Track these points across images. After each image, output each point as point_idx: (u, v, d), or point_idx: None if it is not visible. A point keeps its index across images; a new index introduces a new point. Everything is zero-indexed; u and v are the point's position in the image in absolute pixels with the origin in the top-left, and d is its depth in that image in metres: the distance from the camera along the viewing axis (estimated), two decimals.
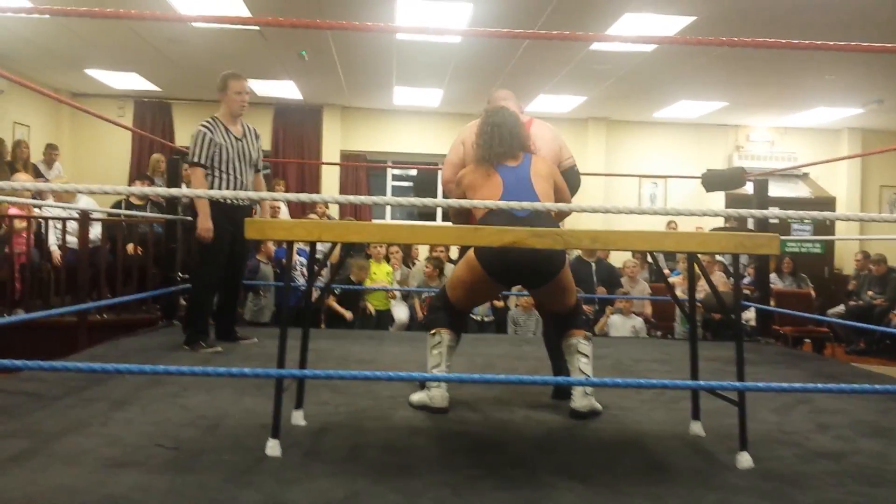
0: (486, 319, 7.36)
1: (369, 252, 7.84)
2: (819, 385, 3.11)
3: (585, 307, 7.30)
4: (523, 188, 3.33)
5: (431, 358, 3.46)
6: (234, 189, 4.81)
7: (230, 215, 4.76)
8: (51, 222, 6.91)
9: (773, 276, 9.87)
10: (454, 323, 3.51)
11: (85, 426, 2.95)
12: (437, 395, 3.40)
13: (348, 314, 7.23)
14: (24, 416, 3.07)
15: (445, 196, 3.58)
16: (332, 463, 2.63)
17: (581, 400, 3.38)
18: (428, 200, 2.87)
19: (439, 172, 12.23)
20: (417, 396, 3.49)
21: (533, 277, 3.36)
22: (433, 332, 3.50)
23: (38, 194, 7.04)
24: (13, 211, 6.72)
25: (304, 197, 2.90)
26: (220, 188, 4.77)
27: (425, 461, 2.70)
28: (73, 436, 2.82)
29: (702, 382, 3.05)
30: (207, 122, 4.82)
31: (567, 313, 3.54)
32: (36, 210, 6.97)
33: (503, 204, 2.87)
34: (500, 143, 3.44)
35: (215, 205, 4.72)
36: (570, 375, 3.51)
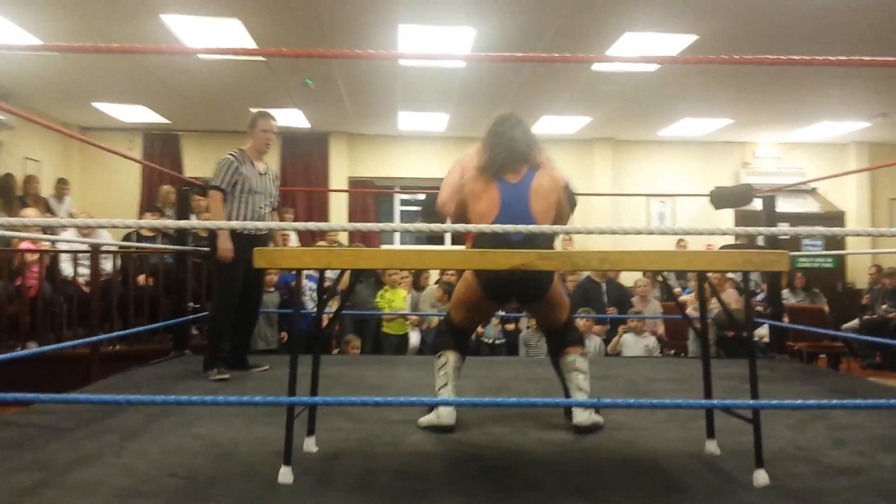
0: (497, 342, 7.35)
1: (384, 280, 7.83)
2: (833, 401, 3.08)
3: (597, 327, 7.29)
4: (520, 207, 3.33)
5: (438, 379, 3.57)
6: (251, 220, 4.89)
7: (246, 244, 4.80)
8: (64, 255, 6.95)
9: (785, 291, 9.85)
10: (459, 345, 3.63)
11: (98, 457, 2.95)
12: (444, 412, 3.46)
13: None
14: (37, 448, 3.07)
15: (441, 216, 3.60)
16: (345, 489, 2.62)
17: (581, 415, 3.47)
18: (435, 226, 2.89)
19: None
20: (426, 418, 3.52)
21: (525, 295, 3.48)
22: (439, 354, 3.60)
23: (51, 229, 7.10)
24: (25, 245, 6.77)
25: (311, 226, 2.92)
26: (237, 216, 4.88)
27: (438, 486, 2.68)
28: (87, 467, 2.82)
29: (715, 401, 3.04)
30: (234, 152, 4.96)
31: (560, 329, 3.64)
32: (45, 244, 7.01)
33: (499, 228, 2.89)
34: (503, 152, 3.43)
35: (231, 233, 4.80)
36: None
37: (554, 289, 3.49)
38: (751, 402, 2.74)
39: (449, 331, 3.66)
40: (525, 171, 3.43)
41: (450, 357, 3.56)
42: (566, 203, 3.58)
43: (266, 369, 5.14)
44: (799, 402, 3.01)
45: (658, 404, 2.85)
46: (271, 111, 5.34)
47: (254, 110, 5.20)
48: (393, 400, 2.86)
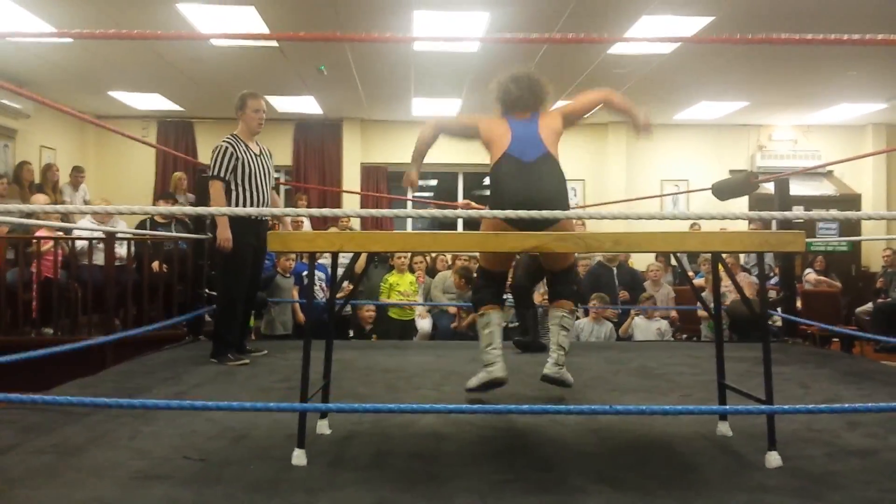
0: (510, 325, 7.32)
1: (392, 262, 7.85)
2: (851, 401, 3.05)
3: (609, 311, 7.26)
4: (530, 137, 3.65)
5: (483, 338, 3.68)
6: (256, 203, 4.91)
7: (254, 229, 4.83)
8: (79, 242, 6.99)
9: (809, 270, 9.85)
10: (497, 298, 3.80)
11: (113, 440, 2.98)
12: (496, 367, 3.62)
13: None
14: (54, 431, 3.11)
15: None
16: (358, 471, 2.64)
17: (552, 367, 3.68)
18: (448, 211, 2.90)
19: (460, 178, 12.32)
20: (475, 380, 3.69)
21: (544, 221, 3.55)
22: (481, 312, 3.72)
23: (66, 216, 7.15)
24: (41, 233, 6.82)
25: (326, 212, 2.92)
26: (243, 202, 4.86)
27: (452, 467, 2.70)
28: (102, 450, 2.85)
29: (727, 407, 3.06)
30: (228, 138, 4.91)
31: (562, 273, 3.81)
32: (61, 231, 7.06)
33: None
34: (517, 89, 3.79)
35: (239, 219, 4.79)
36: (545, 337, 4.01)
37: (569, 221, 3.69)
38: (763, 406, 2.72)
39: (485, 284, 3.80)
40: (531, 114, 3.77)
41: (492, 316, 3.68)
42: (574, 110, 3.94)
43: (264, 353, 5.18)
44: (821, 406, 2.99)
45: (671, 411, 2.89)
46: (286, 98, 5.32)
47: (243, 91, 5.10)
48: (406, 407, 2.88)
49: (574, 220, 3.78)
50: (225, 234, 4.76)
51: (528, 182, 3.51)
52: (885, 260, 10.36)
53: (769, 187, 6.58)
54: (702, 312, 7.30)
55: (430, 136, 3.86)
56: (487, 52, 8.36)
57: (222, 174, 4.81)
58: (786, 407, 2.86)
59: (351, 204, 12.28)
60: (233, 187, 4.85)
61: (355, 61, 8.78)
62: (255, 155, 4.96)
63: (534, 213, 2.94)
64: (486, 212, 3.27)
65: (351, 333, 7.12)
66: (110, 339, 5.48)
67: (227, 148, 4.82)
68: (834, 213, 2.91)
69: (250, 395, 3.83)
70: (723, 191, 6.01)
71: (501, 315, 3.78)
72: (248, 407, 2.83)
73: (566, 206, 3.63)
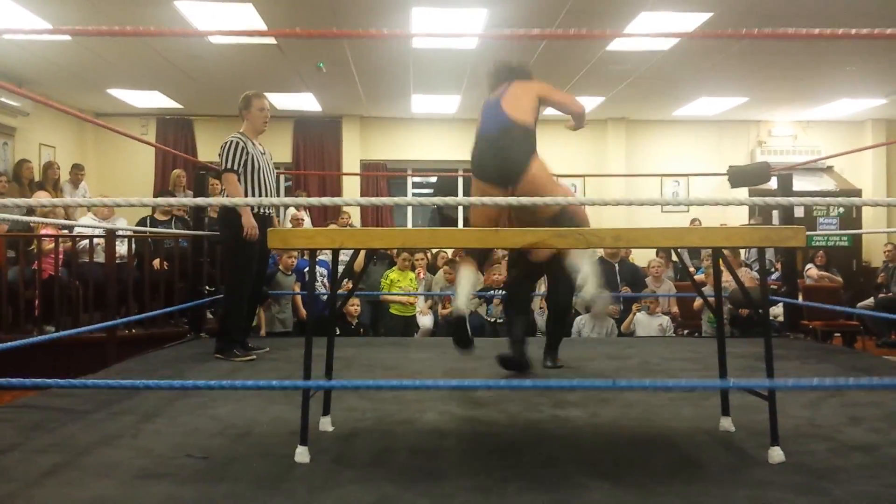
0: (499, 321, 7.32)
1: (395, 260, 7.85)
2: (850, 381, 3.05)
3: (611, 308, 7.25)
4: (494, 113, 3.98)
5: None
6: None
7: (260, 224, 4.83)
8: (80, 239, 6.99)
9: (809, 265, 9.85)
10: (475, 257, 4.21)
11: (116, 439, 2.98)
12: (455, 305, 3.90)
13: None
14: (56, 430, 3.11)
15: None
16: (361, 468, 2.64)
17: (594, 290, 3.70)
18: (450, 199, 2.89)
19: (459, 179, 12.31)
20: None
21: (505, 175, 3.85)
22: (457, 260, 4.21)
23: (68, 214, 7.15)
24: (43, 231, 6.82)
25: (326, 201, 2.91)
26: (250, 197, 4.87)
27: (454, 464, 2.70)
28: (105, 449, 2.85)
29: (730, 382, 3.02)
30: (237, 134, 4.94)
31: (557, 217, 3.85)
32: (63, 230, 7.06)
33: None
34: (491, 78, 4.28)
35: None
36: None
37: (534, 170, 3.84)
38: (765, 382, 2.71)
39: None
40: (503, 87, 4.10)
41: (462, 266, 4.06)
42: (550, 97, 4.15)
43: (266, 350, 5.18)
44: (815, 381, 2.99)
45: (674, 386, 2.85)
46: (285, 95, 5.33)
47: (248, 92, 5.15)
48: (409, 384, 2.87)
49: (538, 173, 3.88)
50: (250, 222, 4.77)
51: (483, 151, 3.94)
52: (885, 255, 10.36)
53: (771, 182, 6.57)
54: (699, 302, 7.28)
55: None
56: (486, 49, 8.34)
57: (235, 166, 4.84)
58: (789, 382, 2.84)
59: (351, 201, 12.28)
60: (241, 182, 4.87)
61: (354, 58, 8.77)
62: (261, 153, 5.02)
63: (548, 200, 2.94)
64: (478, 199, 3.24)
65: (337, 331, 7.08)
66: (114, 324, 5.51)
67: (237, 143, 4.86)
68: (835, 199, 2.89)
69: (254, 391, 3.82)
70: (737, 177, 6.00)
71: (472, 268, 4.08)
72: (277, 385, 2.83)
73: (527, 159, 3.83)
